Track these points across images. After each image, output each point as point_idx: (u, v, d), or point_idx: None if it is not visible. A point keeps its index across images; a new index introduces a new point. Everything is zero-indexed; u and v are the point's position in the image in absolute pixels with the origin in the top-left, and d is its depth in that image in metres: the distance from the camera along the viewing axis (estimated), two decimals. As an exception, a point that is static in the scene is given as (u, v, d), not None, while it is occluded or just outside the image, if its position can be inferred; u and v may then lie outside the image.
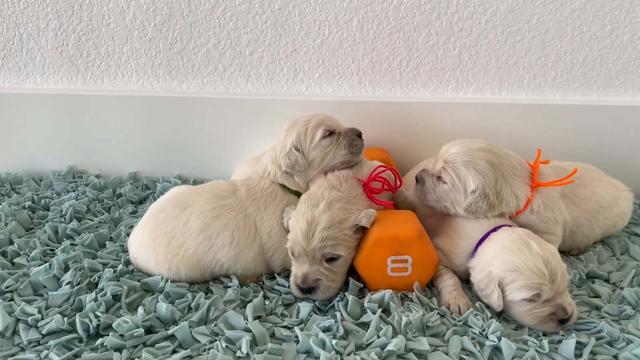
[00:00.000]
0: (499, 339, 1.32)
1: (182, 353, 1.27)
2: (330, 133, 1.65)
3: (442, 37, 2.01)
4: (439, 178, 1.62)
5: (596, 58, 2.04)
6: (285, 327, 1.39)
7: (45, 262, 1.61)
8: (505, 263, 1.40)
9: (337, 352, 1.27)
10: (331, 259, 1.48)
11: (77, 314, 1.36)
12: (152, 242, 1.53)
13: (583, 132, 2.08)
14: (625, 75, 2.06)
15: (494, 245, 1.48)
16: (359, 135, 1.70)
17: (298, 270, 1.48)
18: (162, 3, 1.97)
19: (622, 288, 1.58)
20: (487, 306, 1.50)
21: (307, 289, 1.46)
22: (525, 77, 2.07)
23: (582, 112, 2.06)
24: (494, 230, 1.54)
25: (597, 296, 1.57)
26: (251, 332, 1.34)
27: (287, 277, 1.61)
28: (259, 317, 1.42)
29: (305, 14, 1.98)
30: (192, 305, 1.44)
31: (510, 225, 1.56)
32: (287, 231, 1.55)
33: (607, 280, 1.65)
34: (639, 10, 1.95)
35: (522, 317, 1.42)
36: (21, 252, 1.66)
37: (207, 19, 1.99)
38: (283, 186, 1.65)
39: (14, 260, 1.62)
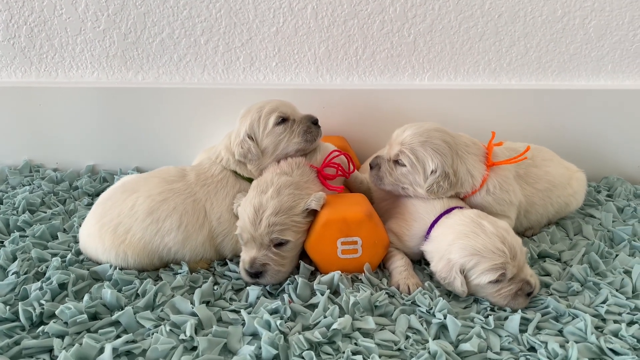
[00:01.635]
0: (445, 317, 1.33)
1: (125, 337, 1.25)
2: (284, 120, 1.64)
3: (397, 24, 2.01)
4: (396, 162, 1.62)
5: (549, 43, 2.06)
6: (233, 310, 1.39)
7: (-7, 254, 1.58)
8: (463, 249, 1.41)
9: (282, 332, 1.27)
10: (279, 244, 1.48)
11: (20, 302, 1.34)
12: (99, 230, 1.52)
13: (539, 116, 2.10)
14: (578, 60, 2.09)
15: (448, 232, 1.48)
16: (315, 122, 1.68)
17: (246, 255, 1.48)
18: (115, -7, 1.95)
19: (571, 266, 1.60)
20: (437, 286, 1.50)
21: (255, 274, 1.46)
22: (480, 63, 2.09)
23: (538, 97, 2.08)
24: (447, 211, 1.55)
25: (547, 274, 1.58)
26: (197, 316, 1.33)
27: (238, 263, 1.60)
28: (207, 302, 1.41)
29: (259, 2, 1.97)
30: (139, 292, 1.42)
31: (461, 207, 1.57)
32: (237, 217, 1.55)
33: (558, 260, 1.66)
34: (589, -6, 1.98)
35: (493, 299, 1.42)
36: (-32, 245, 1.64)
37: (161, 8, 1.98)
38: (235, 172, 1.64)
39: (-39, 252, 1.60)
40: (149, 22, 2.00)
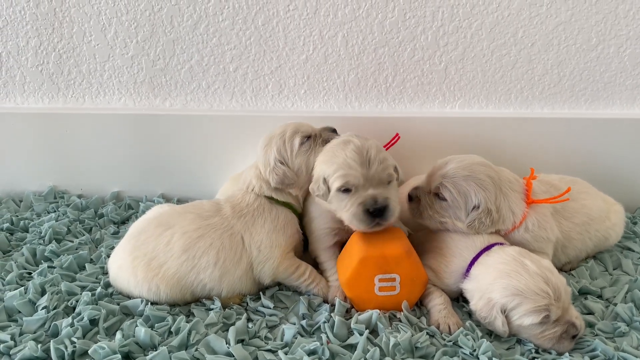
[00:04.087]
0: (490, 360, 1.28)
1: (161, 380, 1.21)
2: (307, 138, 1.65)
3: (428, 52, 1.99)
4: (437, 195, 1.58)
5: (583, 71, 2.02)
6: (269, 350, 1.34)
7: (22, 286, 1.55)
8: (505, 288, 1.35)
9: (323, 376, 1.23)
10: (389, 182, 1.51)
11: (52, 340, 1.31)
12: (132, 262, 1.49)
13: (572, 146, 2.06)
14: (612, 88, 2.05)
15: (489, 271, 1.42)
16: (334, 130, 1.72)
17: (360, 197, 1.46)
18: (144, 20, 1.94)
19: (615, 304, 1.54)
20: (478, 325, 1.46)
21: (379, 210, 1.45)
22: (512, 91, 2.05)
23: (571, 125, 2.04)
24: (487, 248, 1.50)
25: (591, 313, 1.53)
26: (233, 356, 1.29)
27: (272, 297, 1.57)
28: (241, 341, 1.36)
29: (289, 30, 1.95)
30: (172, 329, 1.38)
31: (502, 244, 1.53)
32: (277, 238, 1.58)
33: (600, 296, 1.61)
34: (624, 22, 1.94)
35: (536, 341, 1.37)
36: (-4, 276, 1.61)
37: (190, 36, 1.96)
38: (269, 198, 1.62)
39: (-11, 284, 1.57)
40: (177, 49, 1.99)
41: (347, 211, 1.49)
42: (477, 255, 1.49)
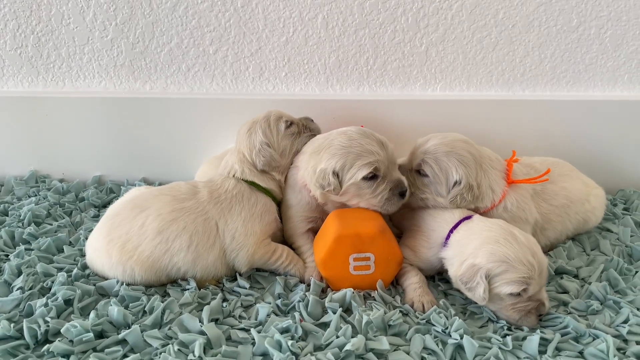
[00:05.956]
0: (462, 337, 1.28)
1: (132, 357, 1.21)
2: (291, 123, 1.70)
3: (409, 34, 1.98)
4: (418, 172, 1.59)
5: (564, 52, 2.02)
6: (243, 329, 1.35)
7: (-2, 268, 1.55)
8: (492, 254, 1.34)
9: (294, 353, 1.23)
10: None
11: (25, 320, 1.30)
12: (107, 245, 1.48)
13: (553, 128, 2.06)
14: (593, 70, 2.05)
15: (473, 236, 1.41)
16: (311, 120, 1.79)
17: (391, 182, 1.53)
18: (123, 2, 1.92)
19: (590, 283, 1.55)
20: (453, 304, 1.46)
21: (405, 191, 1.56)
22: (493, 73, 2.05)
23: (552, 107, 2.04)
24: (466, 218, 1.50)
25: (566, 292, 1.54)
26: (206, 335, 1.29)
27: (248, 278, 1.57)
28: (216, 320, 1.37)
29: (269, 11, 1.94)
30: (146, 309, 1.39)
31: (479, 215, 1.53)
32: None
33: (576, 276, 1.62)
34: (605, 3, 1.93)
35: (506, 312, 1.37)
36: (-27, 258, 1.61)
37: (169, 18, 1.95)
38: (251, 184, 1.62)
39: (-35, 266, 1.57)
40: (157, 32, 1.97)
41: (375, 197, 1.53)
42: (456, 225, 1.49)
